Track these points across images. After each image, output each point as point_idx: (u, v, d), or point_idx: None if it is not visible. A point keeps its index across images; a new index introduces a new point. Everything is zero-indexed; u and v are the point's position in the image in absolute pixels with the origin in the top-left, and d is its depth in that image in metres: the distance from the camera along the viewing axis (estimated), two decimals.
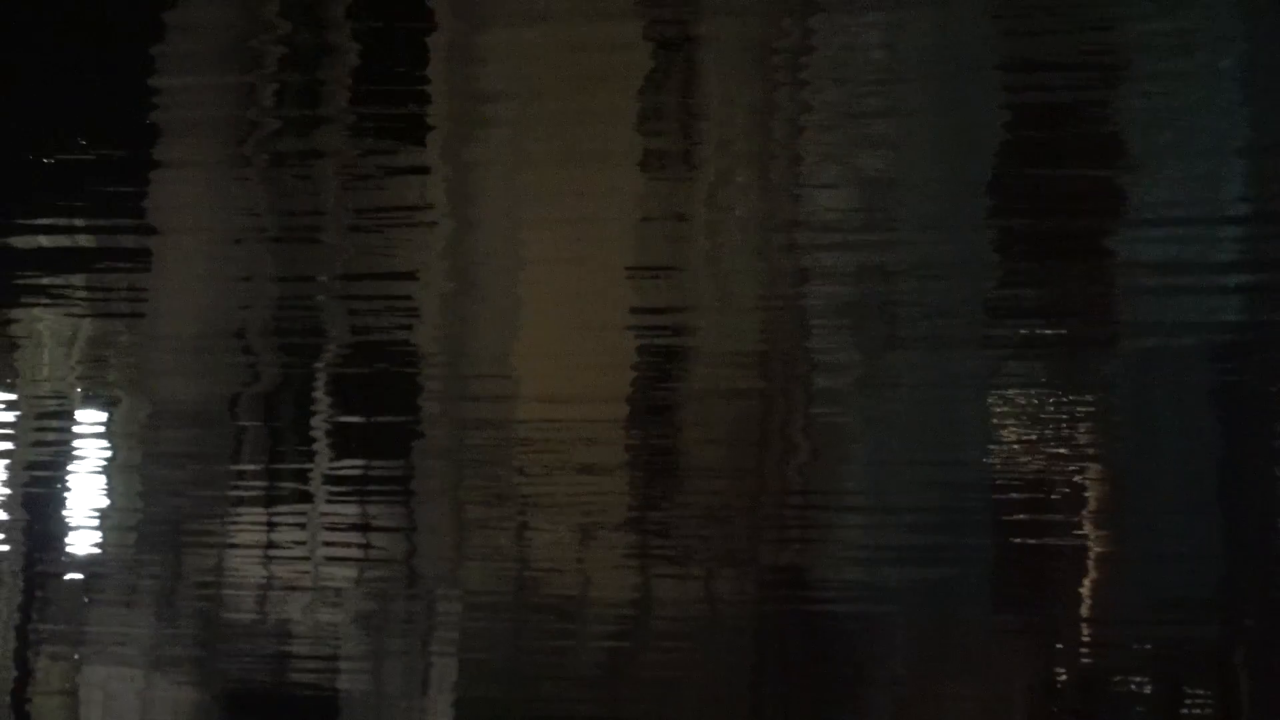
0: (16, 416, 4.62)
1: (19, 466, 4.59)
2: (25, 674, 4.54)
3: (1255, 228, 4.07)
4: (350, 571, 4.39)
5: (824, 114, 4.30)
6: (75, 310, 4.60)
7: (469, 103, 4.47)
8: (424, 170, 4.46)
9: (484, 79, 4.47)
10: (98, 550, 4.54)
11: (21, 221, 4.64)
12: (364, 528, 4.40)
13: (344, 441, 4.45)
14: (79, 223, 4.62)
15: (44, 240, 4.64)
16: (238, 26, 4.60)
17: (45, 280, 4.63)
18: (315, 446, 4.45)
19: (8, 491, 4.59)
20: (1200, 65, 4.12)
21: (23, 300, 4.63)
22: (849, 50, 4.28)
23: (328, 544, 4.41)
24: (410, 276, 4.47)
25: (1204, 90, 4.11)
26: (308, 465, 4.44)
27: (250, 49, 4.59)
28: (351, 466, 4.43)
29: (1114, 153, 4.13)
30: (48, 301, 4.61)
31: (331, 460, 4.43)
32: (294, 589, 4.40)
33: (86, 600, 4.51)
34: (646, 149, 4.38)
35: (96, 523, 4.55)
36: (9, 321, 4.62)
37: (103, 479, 4.56)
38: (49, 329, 4.61)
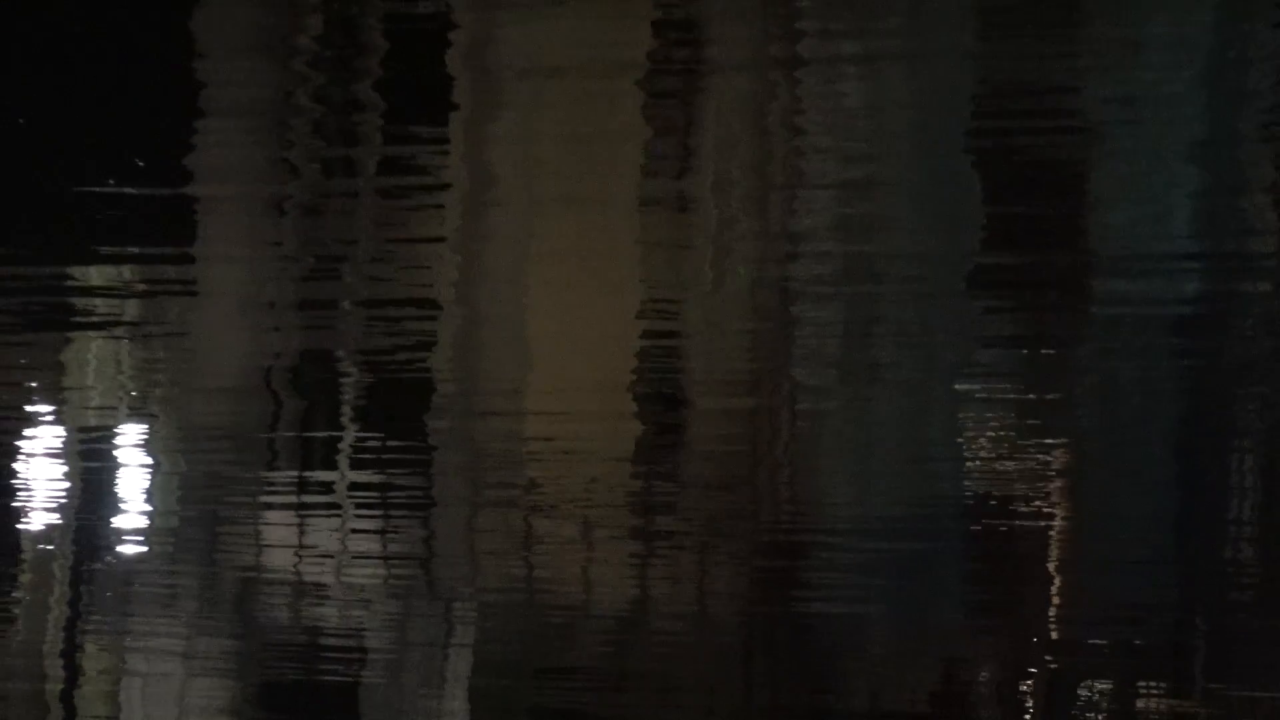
0: (65, 430, 4.81)
1: (71, 477, 4.79)
2: (73, 665, 4.73)
3: (1215, 264, 4.23)
4: (375, 571, 4.61)
5: (812, 158, 4.47)
6: (120, 334, 4.78)
7: (484, 149, 4.65)
8: (440, 206, 4.63)
9: (498, 127, 4.64)
10: (141, 550, 4.75)
11: (77, 253, 4.82)
12: (385, 533, 4.60)
13: (368, 455, 4.64)
14: (130, 251, 4.81)
15: (94, 272, 4.83)
16: (272, 79, 4.78)
17: (96, 307, 4.80)
18: (340, 459, 4.63)
19: (60, 499, 4.78)
20: (1159, 119, 4.27)
21: (75, 325, 4.81)
22: (834, 99, 4.46)
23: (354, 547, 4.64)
24: (429, 304, 4.64)
25: (1165, 141, 4.27)
26: (334, 475, 4.65)
27: (286, 98, 4.77)
28: (375, 477, 4.63)
29: (1081, 192, 4.29)
30: (98, 324, 4.79)
31: (355, 471, 4.64)
32: (323, 586, 4.62)
33: (129, 598, 4.71)
34: (648, 191, 4.55)
35: (139, 527, 4.75)
36: (63, 345, 4.80)
37: (145, 488, 4.74)
38: (97, 352, 4.79)
